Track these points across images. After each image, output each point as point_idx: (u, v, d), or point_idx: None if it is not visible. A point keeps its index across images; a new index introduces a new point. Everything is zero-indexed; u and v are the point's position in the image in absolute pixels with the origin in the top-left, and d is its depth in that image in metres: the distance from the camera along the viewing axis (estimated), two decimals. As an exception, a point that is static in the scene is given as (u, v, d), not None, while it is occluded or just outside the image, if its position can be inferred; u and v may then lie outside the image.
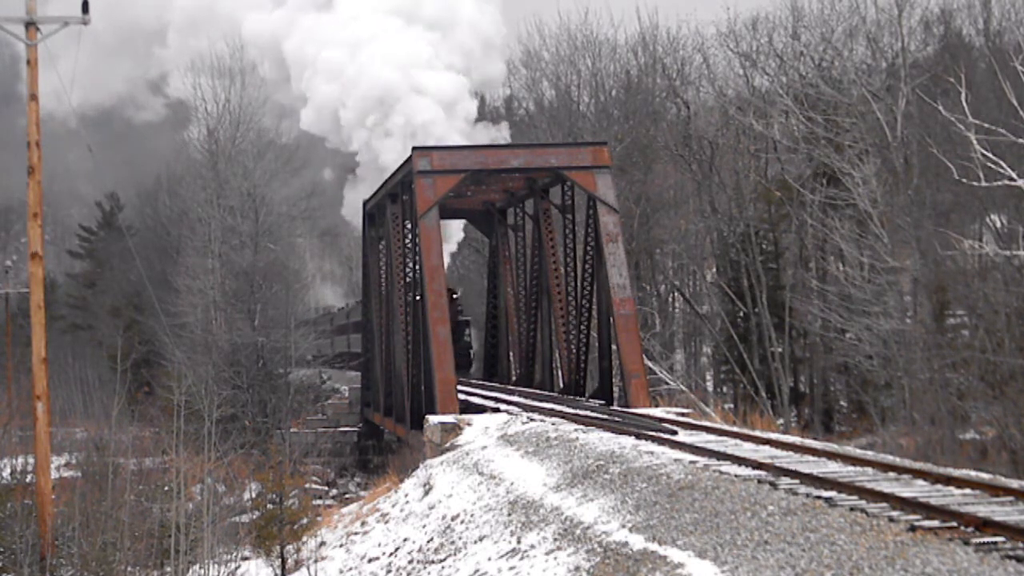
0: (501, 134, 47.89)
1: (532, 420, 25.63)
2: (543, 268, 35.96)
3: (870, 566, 11.10)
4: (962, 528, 11.85)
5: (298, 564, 24.02)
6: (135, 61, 73.54)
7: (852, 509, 13.09)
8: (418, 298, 32.60)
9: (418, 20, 45.77)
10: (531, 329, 37.73)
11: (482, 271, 48.01)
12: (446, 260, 43.65)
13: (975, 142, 28.71)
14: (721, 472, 16.24)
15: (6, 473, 27.64)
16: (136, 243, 55.44)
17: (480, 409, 29.70)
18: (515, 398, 31.75)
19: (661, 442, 20.03)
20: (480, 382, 40.78)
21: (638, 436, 21.04)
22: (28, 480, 24.87)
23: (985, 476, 15.88)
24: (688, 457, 18.02)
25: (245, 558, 25.88)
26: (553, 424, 24.37)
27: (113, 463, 24.20)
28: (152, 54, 66.30)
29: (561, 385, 35.49)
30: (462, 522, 19.23)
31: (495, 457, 22.55)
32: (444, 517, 20.10)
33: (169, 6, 61.51)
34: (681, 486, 15.76)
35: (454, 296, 42.86)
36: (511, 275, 40.71)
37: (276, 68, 50.48)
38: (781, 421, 39.56)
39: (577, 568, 14.17)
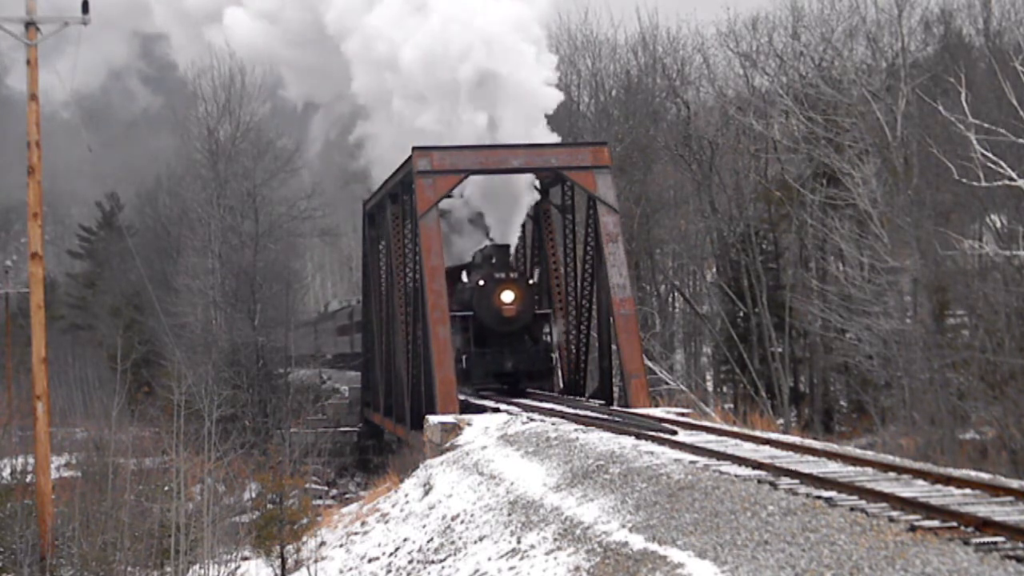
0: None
1: (532, 420, 25.63)
2: (543, 268, 35.89)
3: (870, 566, 11.10)
4: (962, 528, 11.85)
5: (298, 564, 24.00)
6: (130, 49, 73.28)
7: (852, 509, 13.09)
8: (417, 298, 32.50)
9: None
10: (531, 329, 37.56)
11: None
12: (515, 238, 35.53)
13: (975, 142, 28.69)
14: (721, 472, 16.24)
15: (6, 473, 27.67)
16: (136, 243, 55.33)
17: (480, 409, 29.69)
18: (515, 398, 31.71)
19: (661, 442, 20.03)
20: (561, 396, 33.28)
21: (638, 436, 21.03)
22: (28, 480, 24.89)
23: (985, 476, 15.89)
24: (688, 457, 18.02)
25: (245, 558, 25.87)
26: (553, 424, 24.36)
27: (113, 463, 24.21)
28: (148, 42, 66.01)
29: (561, 385, 35.43)
30: (462, 522, 19.22)
31: (495, 457, 22.55)
32: (444, 517, 20.10)
33: None
34: (681, 486, 15.76)
35: (529, 282, 34.49)
36: (512, 275, 40.58)
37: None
38: (781, 421, 39.54)
39: (577, 568, 14.17)
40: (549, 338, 33.92)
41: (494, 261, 33.45)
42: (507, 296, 32.51)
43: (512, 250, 34.87)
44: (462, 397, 30.45)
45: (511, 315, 32.53)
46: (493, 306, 32.40)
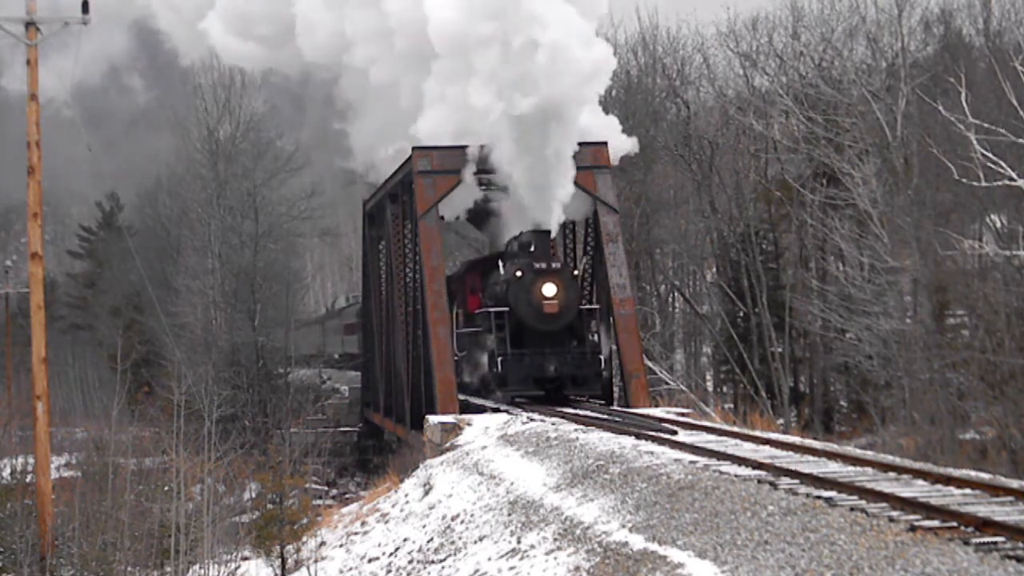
0: None
1: (532, 420, 25.61)
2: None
3: (870, 566, 11.10)
4: (962, 528, 11.85)
5: (298, 564, 24.02)
6: (129, 42, 73.07)
7: (852, 509, 13.08)
8: (417, 303, 32.40)
9: None
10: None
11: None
12: (557, 223, 29.94)
13: (975, 142, 28.70)
14: (721, 472, 16.23)
15: (6, 473, 27.69)
16: (136, 243, 55.27)
17: (480, 409, 29.60)
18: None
19: (661, 442, 20.02)
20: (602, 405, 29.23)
21: (638, 436, 21.01)
22: (28, 480, 24.91)
23: (985, 476, 15.88)
24: (688, 457, 18.01)
25: (245, 558, 25.89)
26: (553, 424, 24.36)
27: (113, 463, 24.24)
28: (147, 36, 65.72)
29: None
30: (462, 522, 19.23)
31: (495, 457, 22.55)
32: (444, 517, 20.10)
33: None
34: (681, 486, 15.75)
35: (574, 274, 29.76)
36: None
37: None
38: (781, 421, 39.54)
39: (577, 568, 14.17)
40: (596, 337, 29.65)
41: (533, 249, 28.78)
42: (549, 289, 28.12)
43: (552, 236, 30.06)
44: (461, 397, 30.36)
45: (553, 311, 28.23)
46: (533, 301, 28.19)
